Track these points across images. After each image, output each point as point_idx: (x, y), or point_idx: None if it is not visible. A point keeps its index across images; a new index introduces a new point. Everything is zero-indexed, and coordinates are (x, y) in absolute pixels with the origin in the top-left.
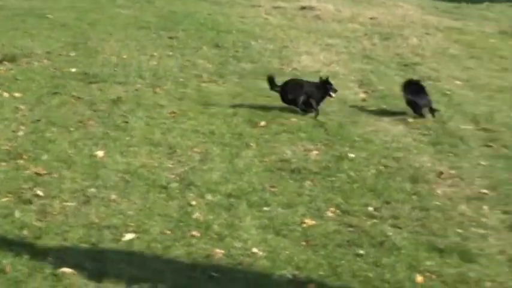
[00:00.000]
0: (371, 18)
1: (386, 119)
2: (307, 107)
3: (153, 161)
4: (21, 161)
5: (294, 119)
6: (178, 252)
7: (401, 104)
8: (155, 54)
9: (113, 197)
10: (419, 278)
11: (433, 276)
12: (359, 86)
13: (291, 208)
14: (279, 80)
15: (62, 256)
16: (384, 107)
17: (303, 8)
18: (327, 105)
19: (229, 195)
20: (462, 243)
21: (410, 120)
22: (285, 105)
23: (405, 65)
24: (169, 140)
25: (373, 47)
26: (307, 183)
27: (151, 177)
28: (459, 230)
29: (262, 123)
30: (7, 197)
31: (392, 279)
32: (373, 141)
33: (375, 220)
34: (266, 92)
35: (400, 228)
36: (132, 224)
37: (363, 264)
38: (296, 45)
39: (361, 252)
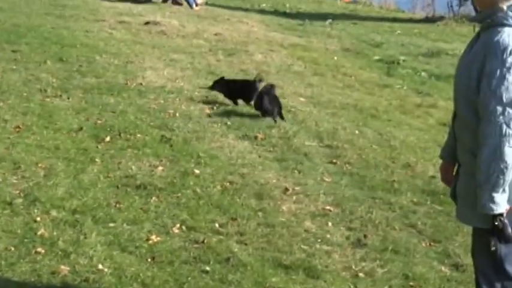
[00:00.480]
0: (215, 34)
1: (231, 135)
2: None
3: None
4: None
5: (140, 135)
6: (23, 269)
7: (246, 121)
8: None
9: None
10: None
11: None
12: (204, 102)
13: (136, 224)
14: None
15: None
16: (229, 123)
17: (148, 23)
18: (171, 121)
19: (75, 211)
20: (307, 260)
21: (256, 136)
22: (130, 120)
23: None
24: (14, 155)
25: (217, 63)
26: (153, 199)
27: None
28: (304, 247)
29: (108, 138)
30: None
31: None
32: (218, 157)
33: (220, 236)
34: (111, 107)
35: (246, 244)
36: None
37: (209, 280)
38: (141, 61)
39: (207, 268)
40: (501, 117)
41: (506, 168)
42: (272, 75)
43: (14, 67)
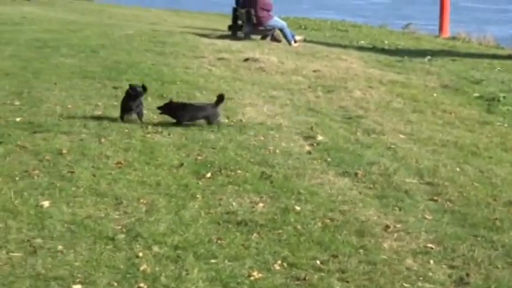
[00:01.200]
0: (314, 71)
1: (331, 172)
2: None
3: (99, 211)
4: None
5: (240, 171)
6: None
7: (346, 158)
8: (100, 104)
9: (60, 247)
10: None
11: None
12: (304, 138)
13: (238, 260)
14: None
15: None
16: (329, 159)
17: (247, 59)
18: (271, 157)
19: (176, 247)
20: None
21: (356, 173)
22: (231, 156)
23: (349, 118)
24: (116, 191)
25: (317, 100)
26: (254, 235)
27: (97, 228)
28: (406, 285)
29: (208, 174)
30: None
31: None
32: (318, 194)
33: (322, 274)
34: (211, 143)
35: (347, 282)
36: (80, 276)
37: None
38: (240, 97)
39: None
40: None
41: None
42: (371, 112)
43: (115, 103)
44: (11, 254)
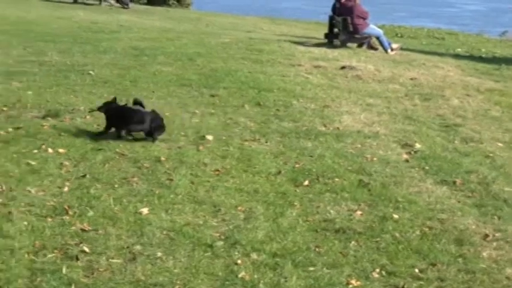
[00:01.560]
0: (411, 79)
1: (429, 180)
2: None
3: (197, 219)
4: (67, 217)
5: (337, 179)
6: None
7: (444, 166)
8: (197, 111)
9: (159, 254)
10: None
11: None
12: (401, 146)
13: (336, 268)
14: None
15: None
16: (427, 168)
17: (343, 67)
18: (369, 165)
19: (275, 255)
20: None
21: (454, 181)
22: (328, 164)
23: (446, 126)
24: (214, 198)
25: (414, 108)
26: (352, 243)
27: (196, 235)
28: None
29: (306, 182)
30: (53, 253)
31: None
32: (416, 202)
33: (421, 282)
34: (309, 151)
35: None
36: (179, 282)
37: None
38: (337, 105)
39: None
40: None
41: None
42: (469, 120)
43: (213, 111)
44: (111, 260)
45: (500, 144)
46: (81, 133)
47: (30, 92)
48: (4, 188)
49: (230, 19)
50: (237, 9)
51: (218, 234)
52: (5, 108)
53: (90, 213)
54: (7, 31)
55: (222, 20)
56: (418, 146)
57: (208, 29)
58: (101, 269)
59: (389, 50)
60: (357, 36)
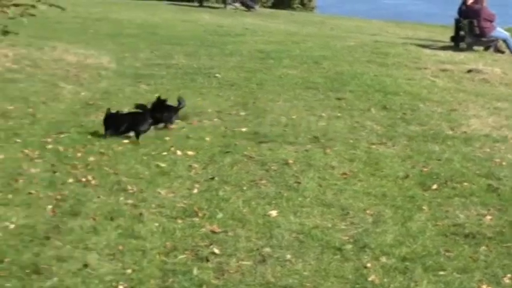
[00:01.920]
0: None
1: None
2: None
3: (326, 222)
4: (196, 219)
5: (466, 184)
6: None
7: None
8: (323, 115)
9: (288, 256)
10: None
11: None
12: None
13: (466, 273)
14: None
15: None
16: None
17: (470, 71)
18: (498, 169)
19: (404, 259)
20: None
21: None
22: (456, 168)
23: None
24: (342, 202)
25: None
26: (482, 248)
27: (325, 238)
28: None
29: (434, 186)
30: (184, 254)
31: None
32: None
33: None
34: (437, 155)
35: None
36: (308, 285)
37: None
38: (464, 109)
39: None
40: None
41: None
42: None
43: (339, 114)
44: (241, 262)
45: None
46: (209, 135)
47: (157, 95)
48: (135, 189)
49: (355, 22)
50: (361, 13)
51: (347, 238)
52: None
53: (220, 215)
54: (134, 34)
55: (346, 23)
56: None
57: (333, 32)
58: (231, 271)
59: None
60: (483, 39)
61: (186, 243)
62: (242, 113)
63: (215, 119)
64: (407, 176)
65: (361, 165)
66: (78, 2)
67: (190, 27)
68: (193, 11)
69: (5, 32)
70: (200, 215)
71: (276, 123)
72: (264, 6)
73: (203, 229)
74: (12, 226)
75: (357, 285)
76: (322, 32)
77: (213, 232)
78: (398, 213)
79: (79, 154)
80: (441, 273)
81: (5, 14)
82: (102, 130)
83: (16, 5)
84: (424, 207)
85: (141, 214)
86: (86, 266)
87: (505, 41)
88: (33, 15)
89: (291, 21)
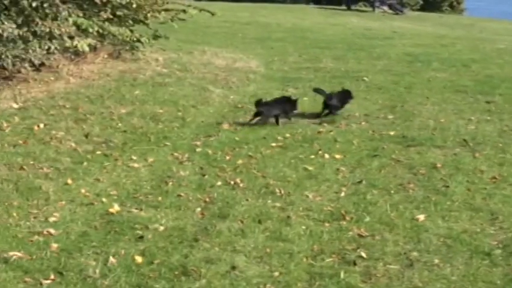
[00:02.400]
0: None
1: None
2: None
3: (474, 226)
4: (344, 222)
5: None
6: None
7: None
8: (473, 118)
9: (436, 261)
10: None
11: None
12: None
13: None
14: None
15: None
16: None
17: None
18: None
19: None
20: None
21: None
22: None
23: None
24: (491, 206)
25: None
26: None
27: (473, 243)
28: None
29: None
30: (331, 257)
31: None
32: None
33: None
34: None
35: None
36: None
37: None
38: None
39: None
40: None
41: None
42: None
43: (489, 118)
44: (388, 266)
45: None
46: (356, 139)
47: (305, 98)
48: (283, 192)
49: (504, 25)
50: (508, 15)
51: (496, 243)
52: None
53: (367, 219)
54: (283, 38)
55: (496, 25)
56: None
57: (482, 34)
58: (378, 275)
59: None
60: None
61: (333, 246)
62: (390, 117)
63: (363, 123)
64: None
65: (511, 169)
66: (226, 6)
67: (339, 31)
68: (341, 15)
69: (156, 37)
70: (347, 218)
71: (424, 127)
72: (413, 10)
73: (350, 233)
74: (162, 228)
75: None
76: (471, 35)
77: (360, 236)
78: None
79: (227, 157)
80: None
81: (156, 19)
82: (251, 134)
83: (166, 10)
84: None
85: (288, 217)
86: (233, 268)
87: None
88: (183, 19)
89: (440, 24)
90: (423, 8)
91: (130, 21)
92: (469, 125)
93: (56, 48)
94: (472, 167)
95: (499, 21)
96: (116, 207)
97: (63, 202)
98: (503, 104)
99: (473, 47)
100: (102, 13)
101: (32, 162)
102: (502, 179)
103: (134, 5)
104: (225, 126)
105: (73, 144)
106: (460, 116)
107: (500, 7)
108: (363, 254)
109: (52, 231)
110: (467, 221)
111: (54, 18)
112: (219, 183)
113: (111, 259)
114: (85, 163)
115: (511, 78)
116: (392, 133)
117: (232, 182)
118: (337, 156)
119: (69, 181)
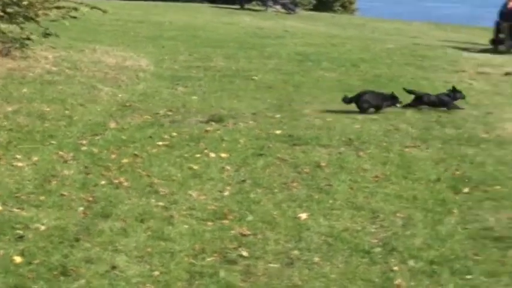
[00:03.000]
0: None
1: None
2: None
3: (356, 224)
4: (226, 221)
5: (498, 187)
6: None
7: None
8: (359, 117)
9: (316, 259)
10: None
11: None
12: None
13: (494, 277)
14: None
15: None
16: None
17: (508, 73)
18: None
19: (432, 262)
20: None
21: None
22: (489, 171)
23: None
24: (372, 204)
25: None
26: (511, 252)
27: (354, 241)
28: None
29: (466, 189)
30: (213, 256)
31: None
32: None
33: None
34: (470, 158)
35: None
36: None
37: None
38: (500, 112)
39: None
40: None
41: None
42: None
43: (375, 117)
44: (269, 265)
45: None
46: (243, 138)
47: (194, 97)
48: (167, 191)
49: (395, 25)
50: (401, 15)
51: (376, 241)
52: (169, 113)
53: (250, 217)
54: (175, 37)
55: (387, 25)
56: None
57: (373, 34)
58: (258, 274)
59: None
60: None
61: (215, 245)
62: (277, 116)
63: (250, 122)
64: (439, 179)
65: (393, 168)
66: (119, 4)
67: (231, 30)
68: (234, 14)
69: (46, 35)
70: (230, 217)
71: (311, 126)
72: (306, 9)
73: (232, 231)
74: (43, 228)
75: None
76: (362, 35)
77: (242, 235)
78: (429, 217)
79: (113, 156)
80: (468, 277)
81: (47, 17)
82: (138, 132)
83: (58, 8)
84: (454, 211)
85: (171, 216)
86: (114, 268)
87: None
88: (74, 17)
89: (332, 23)
90: (316, 8)
91: (21, 19)
92: (355, 124)
93: None
94: (355, 165)
95: (391, 22)
96: None
97: None
98: None
99: (363, 47)
100: None
101: None
102: (384, 177)
103: (25, 2)
104: (112, 124)
105: None
106: (346, 115)
107: (393, 8)
108: (244, 253)
109: None
110: (349, 220)
111: None
112: (103, 182)
113: None
114: None
115: (398, 77)
116: (278, 132)
117: (116, 181)
118: (223, 155)
119: None
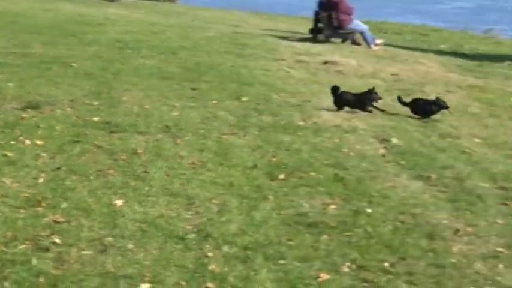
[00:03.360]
0: (392, 75)
1: (404, 175)
2: None
3: (171, 211)
4: (40, 209)
5: (313, 173)
6: None
7: (421, 161)
8: (177, 105)
9: (130, 246)
10: None
11: None
12: (379, 141)
13: (306, 262)
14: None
15: None
16: (403, 163)
17: (326, 62)
18: (345, 159)
19: (246, 248)
20: None
21: (429, 176)
22: (304, 158)
23: (425, 122)
24: (188, 191)
25: (393, 103)
26: (324, 237)
27: (168, 228)
28: None
29: (281, 176)
30: (25, 244)
31: None
32: (390, 197)
33: (390, 276)
34: (286, 145)
35: (415, 284)
36: (148, 274)
37: None
38: (317, 100)
39: None
40: None
41: None
42: (448, 116)
43: (193, 104)
44: (82, 252)
45: (477, 140)
46: (59, 125)
47: (11, 84)
48: None
49: (217, 13)
50: (223, 4)
51: (191, 227)
52: None
53: (64, 204)
54: None
55: (208, 14)
56: (395, 141)
57: (194, 22)
58: (71, 261)
59: (372, 46)
60: (341, 31)
61: (27, 233)
62: (95, 103)
63: (67, 109)
64: (255, 166)
65: (210, 154)
66: None
67: (52, 16)
68: (57, 1)
69: None
70: (44, 204)
71: (129, 113)
72: None
73: (46, 219)
74: None
75: (197, 274)
76: (183, 23)
77: (56, 222)
78: (244, 203)
79: None
80: (281, 262)
81: None
82: None
83: None
84: (269, 197)
85: None
86: None
87: (362, 33)
88: None
89: (154, 11)
90: None
91: None
92: (173, 112)
93: None
94: (172, 152)
95: (212, 10)
96: None
97: None
98: (209, 91)
99: (184, 35)
100: None
101: None
102: (201, 164)
103: None
104: None
105: None
106: (164, 102)
107: None
108: (57, 240)
109: None
110: (164, 206)
111: None
112: None
113: None
114: None
115: (218, 65)
116: (96, 119)
117: None
118: (39, 142)
119: None
